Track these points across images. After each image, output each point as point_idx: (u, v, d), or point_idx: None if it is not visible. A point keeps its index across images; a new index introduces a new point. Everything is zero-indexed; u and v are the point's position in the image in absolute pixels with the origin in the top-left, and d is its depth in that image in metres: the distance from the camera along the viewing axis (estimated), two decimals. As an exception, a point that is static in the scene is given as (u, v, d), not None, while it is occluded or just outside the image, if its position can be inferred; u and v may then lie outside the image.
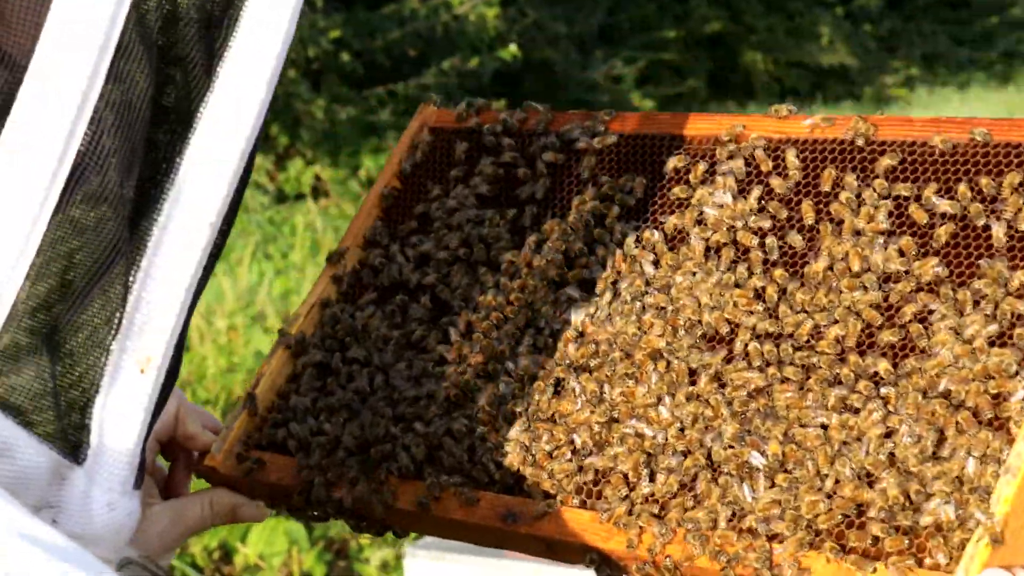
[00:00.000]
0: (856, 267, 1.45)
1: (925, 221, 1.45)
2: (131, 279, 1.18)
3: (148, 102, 1.18)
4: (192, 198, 1.21)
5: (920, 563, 1.27)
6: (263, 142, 8.70)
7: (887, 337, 1.40)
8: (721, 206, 1.56)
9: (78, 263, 1.15)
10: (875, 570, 1.28)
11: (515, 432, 1.55)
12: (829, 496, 1.34)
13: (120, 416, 1.16)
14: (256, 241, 7.89)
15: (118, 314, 1.17)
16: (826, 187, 1.52)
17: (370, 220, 1.77)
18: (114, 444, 1.16)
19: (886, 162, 1.49)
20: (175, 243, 1.21)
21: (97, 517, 1.15)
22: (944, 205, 1.44)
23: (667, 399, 1.48)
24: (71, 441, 1.15)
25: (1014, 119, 1.47)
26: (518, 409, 1.57)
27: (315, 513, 1.61)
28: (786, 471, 1.38)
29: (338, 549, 4.52)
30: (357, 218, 1.78)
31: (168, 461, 1.66)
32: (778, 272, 1.50)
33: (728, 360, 1.48)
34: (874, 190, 1.49)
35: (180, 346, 1.25)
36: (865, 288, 1.44)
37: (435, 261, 1.70)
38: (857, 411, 1.37)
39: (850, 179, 1.50)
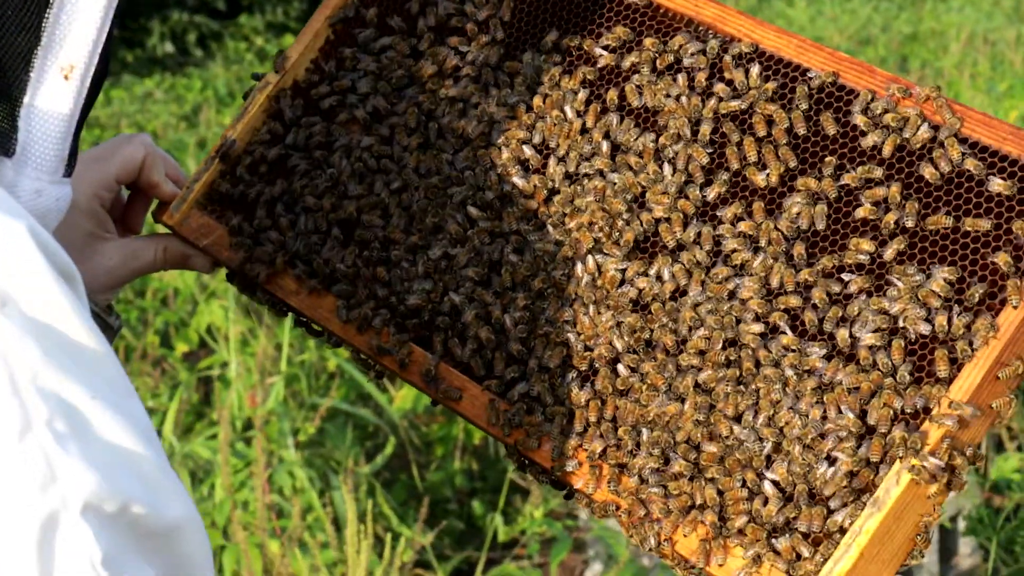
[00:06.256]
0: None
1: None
2: None
3: None
4: None
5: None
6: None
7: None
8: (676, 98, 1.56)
9: None
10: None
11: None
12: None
13: (46, 115, 1.24)
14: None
15: (41, 25, 1.22)
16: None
17: None
18: (41, 139, 1.24)
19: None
20: None
21: (23, 204, 1.20)
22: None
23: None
24: (1, 134, 1.22)
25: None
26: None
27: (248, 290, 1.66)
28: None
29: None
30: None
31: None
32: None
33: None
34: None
35: (106, 56, 1.28)
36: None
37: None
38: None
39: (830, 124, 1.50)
